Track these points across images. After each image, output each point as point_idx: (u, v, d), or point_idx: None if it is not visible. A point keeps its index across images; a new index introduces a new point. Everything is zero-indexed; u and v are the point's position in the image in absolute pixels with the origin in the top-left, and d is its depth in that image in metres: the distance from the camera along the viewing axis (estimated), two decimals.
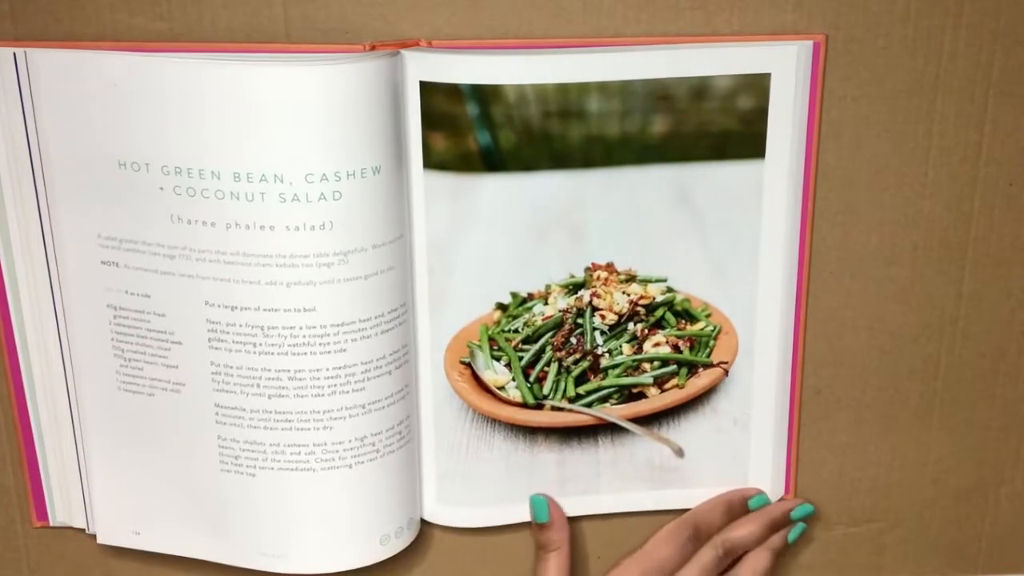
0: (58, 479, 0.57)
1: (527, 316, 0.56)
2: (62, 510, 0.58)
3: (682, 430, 0.58)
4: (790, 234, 0.55)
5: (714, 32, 0.52)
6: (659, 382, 0.57)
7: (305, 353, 0.52)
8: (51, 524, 0.59)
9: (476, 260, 0.54)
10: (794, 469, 0.59)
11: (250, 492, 0.55)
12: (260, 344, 0.52)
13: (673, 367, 0.57)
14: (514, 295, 0.55)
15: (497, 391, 0.56)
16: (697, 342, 0.57)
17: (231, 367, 0.52)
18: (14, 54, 0.50)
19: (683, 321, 0.57)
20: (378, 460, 0.55)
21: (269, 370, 0.52)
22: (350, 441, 0.54)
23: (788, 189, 0.54)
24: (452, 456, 0.57)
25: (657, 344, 0.57)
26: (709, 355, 0.57)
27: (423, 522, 0.59)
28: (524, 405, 0.57)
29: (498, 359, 0.57)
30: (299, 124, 0.49)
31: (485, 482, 0.57)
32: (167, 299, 0.52)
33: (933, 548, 0.62)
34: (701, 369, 0.57)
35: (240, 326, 0.52)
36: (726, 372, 0.57)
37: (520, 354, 0.56)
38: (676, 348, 0.57)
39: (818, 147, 0.54)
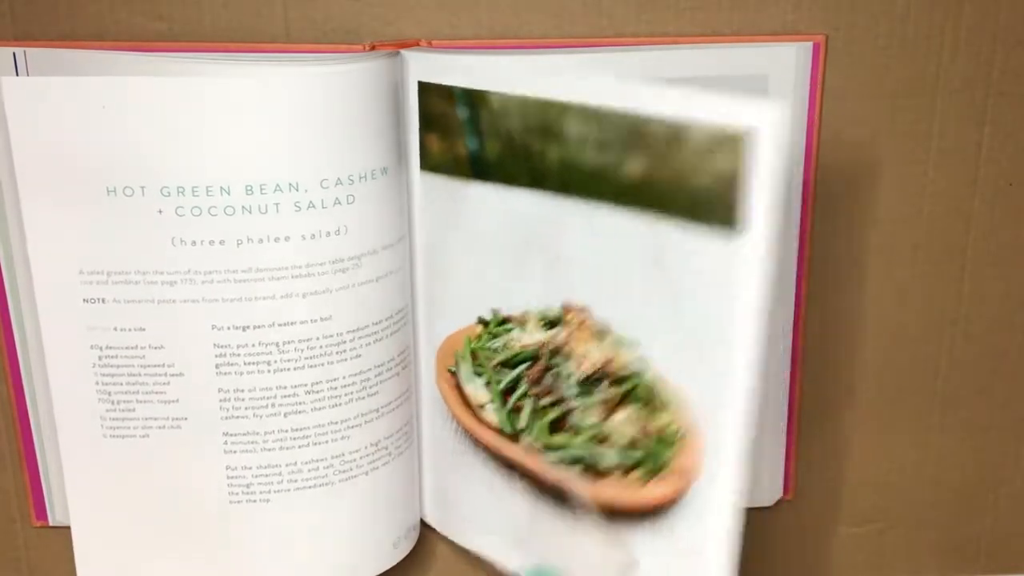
0: (57, 479, 0.57)
1: (505, 338, 0.54)
2: (61, 510, 0.58)
3: (639, 539, 0.50)
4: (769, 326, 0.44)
5: (714, 32, 0.52)
6: (623, 467, 0.50)
7: (323, 364, 0.51)
8: (51, 524, 0.58)
9: (466, 266, 0.54)
10: (794, 469, 0.59)
11: (264, 519, 0.53)
12: (275, 362, 0.51)
13: (638, 455, 0.50)
14: (494, 313, 0.54)
15: (477, 408, 0.55)
16: (662, 436, 0.49)
17: (242, 391, 0.51)
18: (13, 54, 0.50)
19: (651, 403, 0.50)
20: (390, 463, 0.55)
21: (285, 387, 0.51)
22: (366, 448, 0.53)
23: (767, 272, 0.42)
24: (445, 459, 0.57)
25: (625, 421, 0.51)
26: (671, 459, 0.49)
27: (423, 523, 0.59)
28: (501, 432, 0.54)
29: (479, 375, 0.55)
30: (311, 128, 0.48)
31: (470, 496, 0.56)
32: (166, 330, 0.51)
33: (933, 548, 0.62)
34: (664, 472, 0.49)
35: (253, 346, 0.51)
36: (687, 487, 0.48)
37: (499, 377, 0.54)
38: (644, 431, 0.50)
39: (818, 148, 0.54)
